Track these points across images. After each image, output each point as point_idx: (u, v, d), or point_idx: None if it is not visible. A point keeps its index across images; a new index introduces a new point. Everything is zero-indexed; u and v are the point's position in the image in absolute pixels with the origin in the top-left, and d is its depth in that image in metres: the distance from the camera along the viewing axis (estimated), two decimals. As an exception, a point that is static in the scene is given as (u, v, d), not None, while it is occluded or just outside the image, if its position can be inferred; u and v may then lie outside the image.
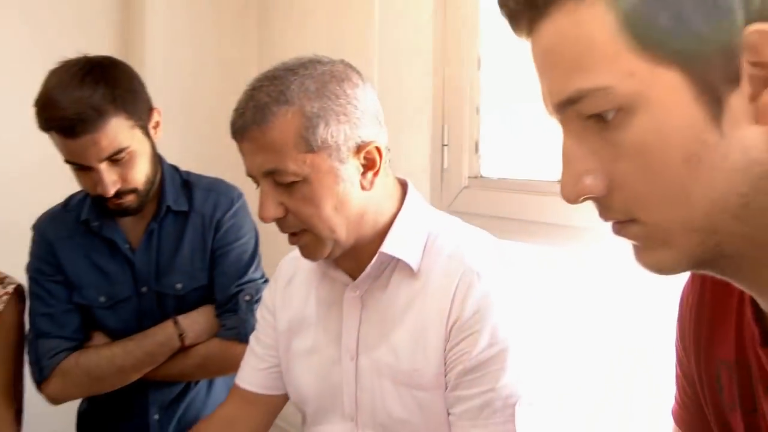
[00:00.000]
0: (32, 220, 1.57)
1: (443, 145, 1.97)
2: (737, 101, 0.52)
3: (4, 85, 2.23)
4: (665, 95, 0.53)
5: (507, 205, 1.69)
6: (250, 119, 1.00)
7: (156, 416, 1.56)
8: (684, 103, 0.53)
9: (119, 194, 1.39)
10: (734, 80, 0.52)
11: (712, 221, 0.55)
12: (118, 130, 1.34)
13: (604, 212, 0.61)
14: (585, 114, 0.57)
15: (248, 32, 2.70)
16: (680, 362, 0.83)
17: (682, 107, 0.53)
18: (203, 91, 2.57)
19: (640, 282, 1.23)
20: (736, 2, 0.50)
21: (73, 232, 1.52)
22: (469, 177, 1.92)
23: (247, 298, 1.51)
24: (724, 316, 0.71)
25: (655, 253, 0.59)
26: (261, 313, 1.30)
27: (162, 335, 1.48)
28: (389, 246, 1.06)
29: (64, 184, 1.54)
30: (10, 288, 1.51)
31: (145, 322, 1.52)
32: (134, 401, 1.55)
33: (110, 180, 1.36)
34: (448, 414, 1.04)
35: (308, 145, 0.99)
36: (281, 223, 1.05)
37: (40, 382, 1.47)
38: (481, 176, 1.90)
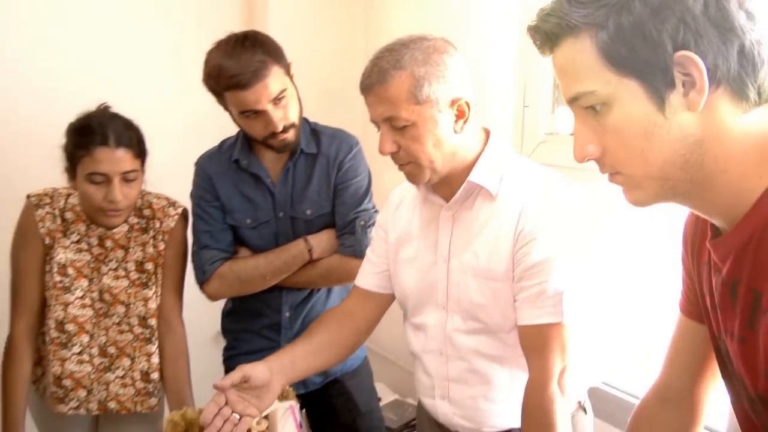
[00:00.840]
0: (192, 160, 2.00)
1: (524, 107, 2.30)
2: (675, 97, 0.83)
3: (163, 54, 2.71)
4: (629, 95, 0.85)
5: None
6: (375, 80, 1.36)
7: (287, 314, 1.97)
8: (641, 100, 0.84)
9: (284, 129, 1.77)
10: (671, 84, 0.83)
11: (666, 172, 0.87)
12: (278, 75, 1.72)
13: (601, 168, 0.94)
14: (583, 106, 0.89)
15: (355, 11, 3.09)
16: (685, 267, 1.13)
17: (639, 103, 0.84)
18: (318, 60, 2.95)
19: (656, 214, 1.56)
20: (665, 38, 0.81)
21: (226, 168, 1.92)
22: (545, 133, 2.24)
23: (362, 223, 1.89)
24: (705, 232, 1.01)
25: (632, 193, 0.92)
26: (376, 231, 1.67)
27: (295, 250, 1.88)
28: (475, 176, 1.41)
29: (213, 135, 1.97)
30: (180, 209, 1.94)
31: (280, 240, 1.92)
32: (271, 302, 1.96)
33: (278, 117, 1.75)
34: (514, 300, 1.39)
35: (416, 99, 1.35)
36: (394, 156, 1.41)
37: (202, 282, 1.90)
38: (556, 132, 2.22)
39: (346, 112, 2.54)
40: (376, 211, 1.92)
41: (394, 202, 1.63)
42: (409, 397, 2.73)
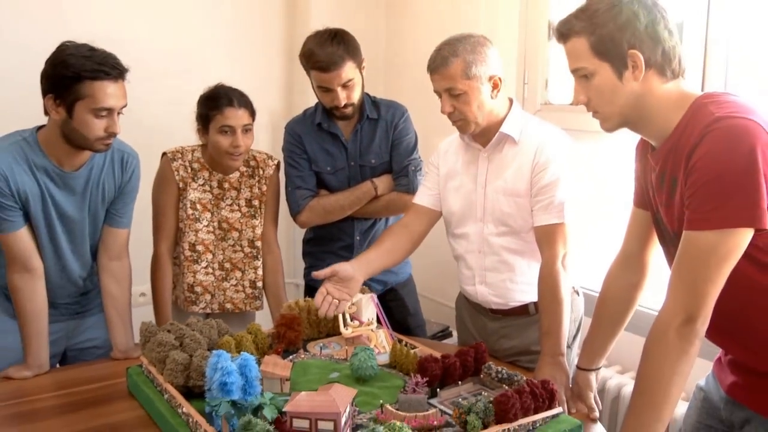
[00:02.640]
0: (282, 124, 2.69)
1: (525, 84, 2.99)
2: (627, 73, 1.51)
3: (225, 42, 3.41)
4: (604, 71, 1.52)
5: (565, 121, 2.61)
6: (439, 63, 2.03)
7: (358, 237, 2.66)
8: (609, 73, 1.52)
9: (345, 105, 2.45)
10: (626, 67, 1.50)
11: (623, 111, 1.55)
12: (349, 69, 2.40)
13: (588, 109, 1.61)
14: (579, 75, 1.58)
15: (378, 8, 3.80)
16: (636, 173, 1.78)
17: (608, 75, 1.52)
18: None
19: (621, 148, 2.22)
20: (624, 42, 1.48)
21: (310, 129, 2.60)
22: (541, 103, 2.93)
23: (413, 168, 2.58)
24: (647, 150, 1.68)
25: (605, 124, 1.61)
26: (429, 167, 2.32)
27: (365, 188, 2.56)
28: (505, 128, 2.09)
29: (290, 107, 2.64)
30: (275, 161, 2.61)
31: (352, 182, 2.60)
32: (345, 229, 2.65)
33: (342, 96, 2.43)
34: (531, 210, 2.07)
35: (467, 76, 2.01)
36: (451, 115, 2.07)
37: (296, 213, 2.59)
38: (550, 103, 2.91)
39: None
40: (422, 160, 2.60)
41: (443, 148, 2.31)
42: (431, 318, 3.41)
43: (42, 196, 2.08)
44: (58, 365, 2.36)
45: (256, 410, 1.54)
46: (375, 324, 2.19)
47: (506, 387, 1.75)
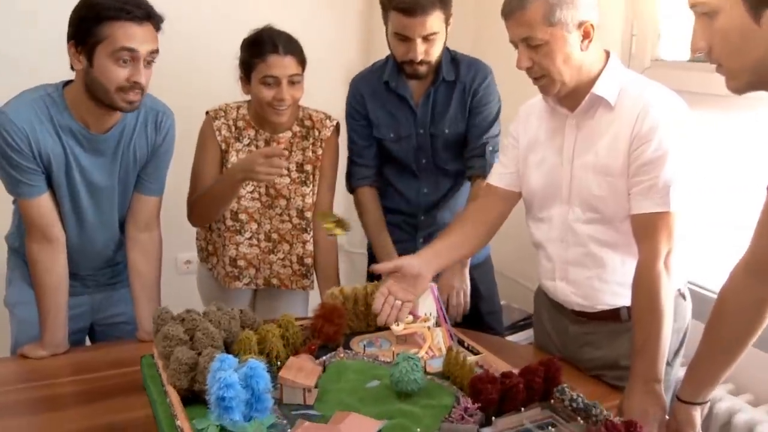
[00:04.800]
0: (346, 81, 2.37)
1: (632, 35, 2.53)
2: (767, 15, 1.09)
3: None
4: (733, 7, 1.12)
5: (682, 81, 2.17)
6: (515, 6, 1.63)
7: (421, 240, 2.34)
8: (741, 12, 1.11)
9: (420, 62, 2.09)
10: (766, 5, 1.08)
11: (756, 67, 1.14)
12: (436, 19, 2.04)
13: (709, 61, 1.22)
14: (699, 12, 1.18)
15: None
16: None
17: (740, 14, 1.11)
18: None
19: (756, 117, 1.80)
20: None
21: (376, 88, 2.26)
22: (651, 60, 2.47)
23: (490, 148, 2.21)
24: None
25: (730, 83, 1.20)
26: (507, 139, 1.95)
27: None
28: (598, 89, 1.67)
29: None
30: (334, 122, 2.28)
31: (419, 153, 2.25)
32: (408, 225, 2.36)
33: (420, 50, 2.07)
34: (628, 194, 1.66)
35: (549, 21, 1.61)
36: (529, 71, 1.68)
37: (350, 190, 2.34)
38: (662, 59, 2.44)
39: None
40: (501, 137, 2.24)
41: (523, 114, 1.91)
42: (514, 303, 3.04)
43: (66, 160, 1.87)
44: (87, 339, 2.21)
45: (251, 441, 1.23)
46: (433, 320, 1.84)
47: (581, 420, 1.38)
